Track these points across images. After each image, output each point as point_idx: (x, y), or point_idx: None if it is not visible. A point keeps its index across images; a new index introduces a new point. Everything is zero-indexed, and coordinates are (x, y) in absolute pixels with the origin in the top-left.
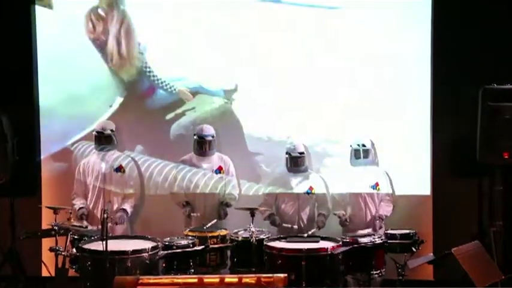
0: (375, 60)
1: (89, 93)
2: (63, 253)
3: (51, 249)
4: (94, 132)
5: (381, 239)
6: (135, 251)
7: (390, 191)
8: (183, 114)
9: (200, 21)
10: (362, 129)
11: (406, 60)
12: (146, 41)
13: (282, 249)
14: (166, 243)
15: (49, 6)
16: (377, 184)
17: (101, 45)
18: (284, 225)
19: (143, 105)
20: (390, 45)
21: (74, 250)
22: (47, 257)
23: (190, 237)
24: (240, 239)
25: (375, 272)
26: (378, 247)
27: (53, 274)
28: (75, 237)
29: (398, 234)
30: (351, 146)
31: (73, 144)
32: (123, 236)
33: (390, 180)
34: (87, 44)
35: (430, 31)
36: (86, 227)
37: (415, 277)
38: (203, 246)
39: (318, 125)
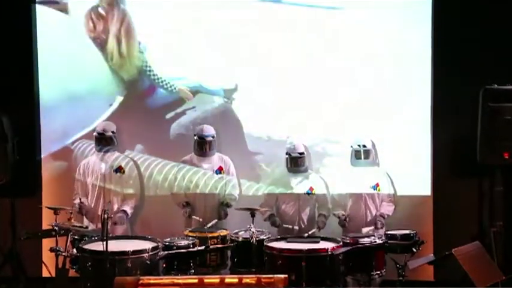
0: (375, 60)
1: (89, 92)
2: (63, 253)
3: (51, 250)
4: (95, 134)
5: (381, 240)
6: (135, 252)
7: (391, 192)
8: (183, 113)
9: (200, 21)
10: (362, 129)
11: (407, 61)
12: (146, 40)
13: (282, 250)
14: (167, 243)
15: (65, 11)
16: (377, 185)
17: (101, 44)
18: (285, 226)
19: (143, 104)
20: (390, 45)
21: (75, 250)
22: (48, 257)
23: (190, 238)
24: (240, 239)
25: (375, 273)
26: (378, 248)
27: (54, 274)
28: (76, 237)
29: (398, 234)
30: (351, 146)
31: (73, 143)
32: (124, 236)
33: (391, 181)
34: (88, 43)
35: (430, 31)
36: (87, 227)
37: (415, 278)
38: (203, 247)
39: (318, 125)
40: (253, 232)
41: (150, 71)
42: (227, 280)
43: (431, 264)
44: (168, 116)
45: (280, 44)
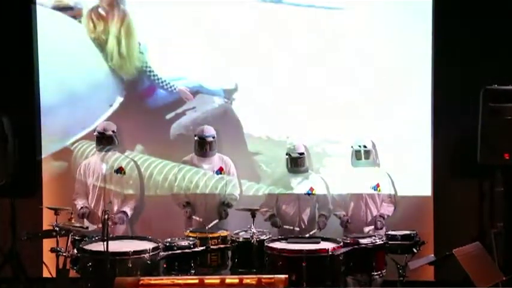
0: (375, 60)
1: (89, 92)
2: (64, 254)
3: (52, 250)
4: (95, 133)
5: (382, 240)
6: (136, 252)
7: (392, 192)
8: (183, 113)
9: (200, 21)
10: (362, 129)
11: (407, 61)
12: (146, 41)
13: (282, 250)
14: (167, 244)
15: (80, 16)
16: (378, 185)
17: (101, 45)
18: (285, 227)
19: (143, 105)
20: (390, 45)
21: (75, 251)
22: (48, 257)
23: (191, 238)
24: (240, 239)
25: (375, 273)
26: (378, 248)
27: (54, 275)
28: (76, 238)
29: (399, 235)
30: (351, 147)
31: (73, 143)
32: (124, 236)
33: (392, 181)
34: (88, 43)
35: (431, 31)
36: (87, 227)
37: (416, 278)
38: (204, 247)
39: (318, 125)
40: (253, 232)
41: (150, 71)
42: (228, 280)
43: (431, 265)
44: (168, 116)
45: (280, 44)
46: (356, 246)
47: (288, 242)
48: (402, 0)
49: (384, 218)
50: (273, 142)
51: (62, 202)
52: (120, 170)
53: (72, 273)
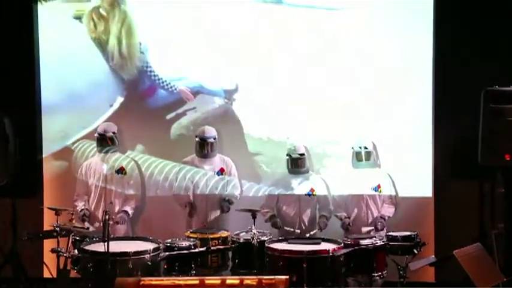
0: (375, 60)
1: (90, 92)
2: (64, 254)
3: (52, 251)
4: (96, 134)
5: (382, 241)
6: (136, 253)
7: (393, 193)
8: (183, 113)
9: (200, 22)
10: (362, 130)
11: (408, 61)
12: (147, 41)
13: (283, 251)
14: (168, 244)
15: (80, 19)
16: (379, 186)
17: (102, 45)
18: (286, 228)
19: (144, 105)
20: (391, 45)
21: (76, 251)
22: (49, 258)
23: (191, 239)
24: (241, 240)
25: (376, 274)
26: (379, 249)
27: (55, 275)
28: (77, 238)
29: (399, 236)
30: (352, 148)
31: (74, 143)
32: (125, 237)
33: (392, 182)
34: (89, 43)
35: (431, 31)
36: (88, 228)
37: (416, 279)
38: (204, 248)
39: (318, 126)
40: (254, 233)
41: (150, 71)
42: (228, 281)
43: (432, 266)
44: (169, 116)
45: (280, 44)
46: (357, 247)
47: (289, 243)
48: (402, 0)
49: (384, 219)
50: (273, 142)
51: (63, 202)
52: (121, 170)
53: (73, 274)
